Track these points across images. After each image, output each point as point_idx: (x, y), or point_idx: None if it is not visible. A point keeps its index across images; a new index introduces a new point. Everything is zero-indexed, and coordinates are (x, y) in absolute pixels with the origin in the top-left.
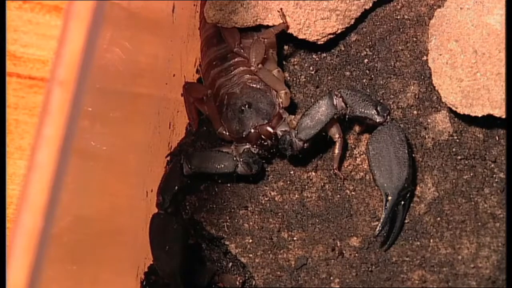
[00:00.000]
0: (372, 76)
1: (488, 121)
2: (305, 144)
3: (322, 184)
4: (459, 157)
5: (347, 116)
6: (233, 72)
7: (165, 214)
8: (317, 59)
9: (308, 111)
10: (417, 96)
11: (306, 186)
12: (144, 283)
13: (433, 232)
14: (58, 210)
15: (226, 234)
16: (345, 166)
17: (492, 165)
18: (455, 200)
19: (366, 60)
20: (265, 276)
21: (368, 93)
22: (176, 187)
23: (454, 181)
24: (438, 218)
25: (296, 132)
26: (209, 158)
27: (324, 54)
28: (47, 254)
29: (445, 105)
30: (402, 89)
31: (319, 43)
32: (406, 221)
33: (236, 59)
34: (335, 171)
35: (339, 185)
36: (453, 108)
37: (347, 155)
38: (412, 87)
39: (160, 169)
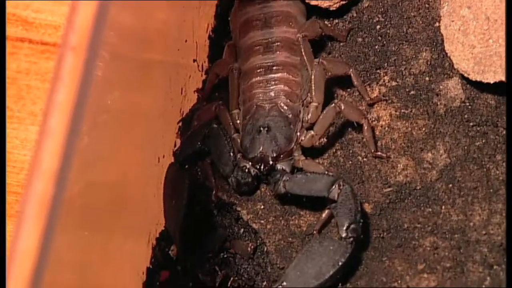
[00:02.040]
0: (384, 42)
1: (500, 88)
2: (287, 195)
3: (334, 150)
4: (471, 124)
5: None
6: (272, 88)
7: (178, 166)
8: (329, 25)
9: (308, 175)
10: (429, 63)
11: (319, 153)
12: (156, 249)
13: (445, 199)
14: (70, 176)
15: (238, 200)
16: (357, 133)
17: (504, 132)
18: (467, 166)
19: (378, 27)
20: (277, 242)
21: (359, 206)
22: (194, 149)
23: (466, 147)
24: (450, 185)
25: (287, 178)
26: (220, 147)
27: (336, 20)
28: (59, 220)
29: (457, 71)
30: (414, 56)
31: (331, 9)
32: (418, 187)
33: (280, 74)
34: (375, 154)
35: (350, 151)
36: (465, 75)
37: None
38: (424, 54)
39: (172, 135)
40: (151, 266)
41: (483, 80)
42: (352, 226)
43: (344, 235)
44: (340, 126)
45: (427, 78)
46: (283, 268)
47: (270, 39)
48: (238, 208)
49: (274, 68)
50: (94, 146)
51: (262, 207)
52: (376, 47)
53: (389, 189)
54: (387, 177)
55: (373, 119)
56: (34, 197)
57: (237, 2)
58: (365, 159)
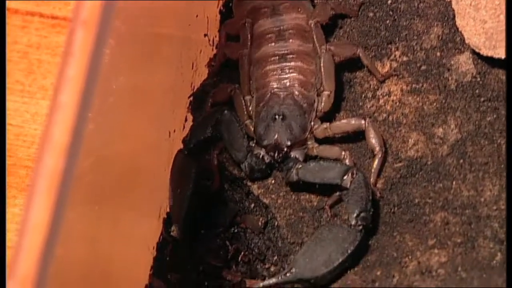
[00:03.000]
0: (396, 17)
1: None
2: (299, 182)
3: None
4: (482, 99)
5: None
6: (286, 76)
7: (186, 154)
8: (339, 2)
9: (321, 162)
10: (440, 38)
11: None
12: (167, 223)
13: (455, 174)
14: (81, 150)
15: None
16: (368, 108)
17: None
18: (478, 142)
19: (389, 1)
20: (288, 217)
21: (371, 195)
22: (205, 135)
23: (477, 122)
24: (461, 160)
25: (300, 166)
26: (233, 133)
27: None
28: (69, 194)
29: (469, 46)
30: (425, 31)
31: None
32: (429, 162)
33: (294, 63)
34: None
35: None
36: (477, 50)
37: (370, 96)
38: (436, 29)
39: (183, 110)
40: (161, 241)
41: (494, 55)
42: (362, 214)
43: (353, 222)
44: (351, 101)
45: (438, 53)
46: (294, 242)
47: (281, 27)
48: (249, 183)
49: (289, 56)
50: (104, 121)
51: (273, 181)
52: (388, 22)
53: (400, 164)
54: (398, 152)
55: (384, 94)
56: (45, 171)
57: None
58: None
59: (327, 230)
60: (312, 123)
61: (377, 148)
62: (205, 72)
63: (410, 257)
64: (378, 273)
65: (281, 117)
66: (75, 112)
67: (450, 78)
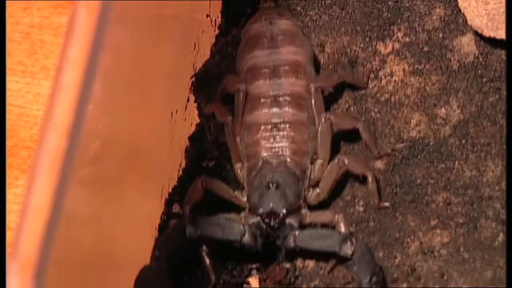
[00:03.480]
0: None
1: None
2: (296, 250)
3: (347, 106)
4: (484, 80)
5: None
6: (278, 145)
7: (157, 267)
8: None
9: (320, 230)
10: (442, 19)
11: (331, 108)
12: (169, 204)
13: (458, 155)
14: (83, 131)
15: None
16: (370, 88)
17: None
18: (480, 122)
19: None
20: None
21: (375, 261)
22: (175, 248)
23: (479, 103)
24: (463, 141)
25: (297, 233)
26: (216, 224)
27: None
28: (72, 175)
29: (471, 28)
30: (427, 12)
31: None
32: (431, 143)
33: (286, 132)
34: (379, 206)
35: (364, 107)
36: (479, 31)
37: (372, 76)
38: (438, 10)
39: (185, 91)
40: (163, 222)
41: (496, 37)
42: (374, 278)
43: (368, 287)
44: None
45: (440, 35)
46: None
47: (277, 92)
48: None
49: (281, 126)
50: (107, 101)
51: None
52: (390, 3)
53: (402, 144)
54: (400, 132)
55: (387, 74)
56: (47, 152)
57: (244, 42)
58: (378, 115)
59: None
60: (305, 191)
61: (365, 172)
62: (207, 52)
63: (412, 237)
64: (380, 254)
65: (275, 185)
66: (77, 92)
67: (452, 59)
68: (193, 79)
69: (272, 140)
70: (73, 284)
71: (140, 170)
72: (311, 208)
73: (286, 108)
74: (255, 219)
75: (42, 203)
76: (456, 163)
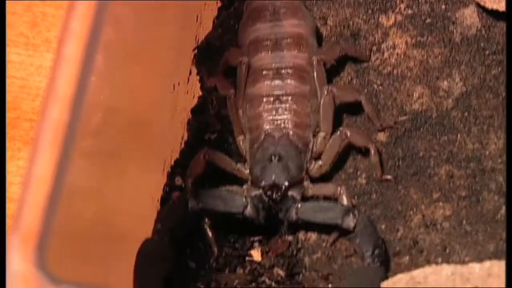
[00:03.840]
0: None
1: None
2: (299, 221)
3: (350, 78)
4: (487, 52)
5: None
6: (281, 117)
7: (159, 240)
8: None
9: (322, 202)
10: None
11: (334, 81)
12: (171, 176)
13: (460, 127)
14: (85, 103)
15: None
16: (372, 61)
17: None
18: (482, 95)
19: None
20: None
21: (378, 233)
22: (177, 221)
23: (482, 76)
24: (466, 113)
25: (299, 205)
26: (219, 197)
27: None
28: (74, 147)
29: (473, 0)
30: None
31: None
32: (433, 116)
33: (289, 105)
34: (382, 178)
35: (366, 79)
36: (481, 3)
37: (374, 49)
38: None
39: (188, 63)
40: (165, 195)
41: (499, 9)
42: (376, 251)
43: (370, 261)
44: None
45: (443, 6)
46: None
47: (280, 65)
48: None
49: (284, 98)
50: (109, 73)
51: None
52: None
53: (404, 117)
54: (403, 105)
55: (389, 47)
56: (49, 124)
57: (246, 15)
58: (380, 87)
59: (353, 277)
60: (308, 164)
61: (368, 144)
62: (209, 25)
63: (414, 210)
64: (383, 226)
65: (277, 158)
66: (79, 65)
67: (455, 31)
68: (195, 51)
69: (274, 112)
70: (75, 256)
71: (142, 143)
72: (313, 180)
73: (288, 81)
74: (257, 192)
75: (44, 175)
76: (459, 135)
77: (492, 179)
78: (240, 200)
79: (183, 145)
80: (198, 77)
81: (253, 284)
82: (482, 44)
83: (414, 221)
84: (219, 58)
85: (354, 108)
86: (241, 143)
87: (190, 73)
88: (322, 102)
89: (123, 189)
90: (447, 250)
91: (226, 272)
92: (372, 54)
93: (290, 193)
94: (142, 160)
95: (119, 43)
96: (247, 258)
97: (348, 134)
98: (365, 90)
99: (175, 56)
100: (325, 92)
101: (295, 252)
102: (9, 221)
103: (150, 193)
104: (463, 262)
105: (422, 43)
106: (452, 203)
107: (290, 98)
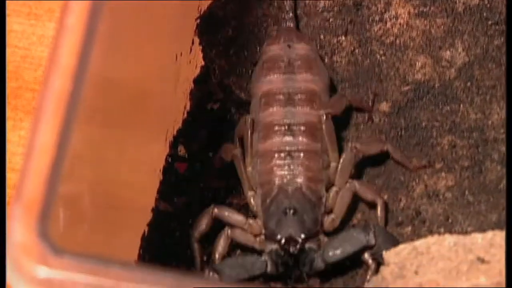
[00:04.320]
0: None
1: None
2: (327, 266)
3: (352, 48)
4: (489, 22)
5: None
6: (293, 173)
7: None
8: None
9: (339, 237)
10: None
11: (336, 51)
12: (173, 146)
13: (463, 97)
14: (87, 73)
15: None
16: (375, 31)
17: None
18: (485, 65)
19: None
20: None
21: (393, 235)
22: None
23: (484, 46)
24: (468, 83)
25: (321, 252)
26: (237, 265)
27: None
28: (76, 117)
29: None
30: None
31: None
32: (436, 86)
33: (301, 161)
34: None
35: (369, 49)
36: None
37: (377, 19)
38: None
39: (190, 33)
40: (167, 165)
41: None
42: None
43: None
44: (358, 24)
45: None
46: None
47: (291, 121)
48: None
49: (295, 154)
50: (112, 43)
51: None
52: None
53: (407, 87)
54: (406, 75)
55: (392, 17)
56: (51, 94)
57: (261, 62)
58: (383, 57)
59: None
60: (322, 216)
61: (375, 198)
62: None
63: (417, 180)
64: (385, 197)
65: (292, 211)
66: (82, 34)
67: (457, 1)
68: (198, 21)
69: (286, 167)
70: (77, 226)
71: (145, 113)
72: (328, 234)
73: (300, 138)
74: (273, 246)
75: (46, 145)
76: (461, 105)
77: (494, 149)
78: (259, 261)
79: (185, 115)
80: (200, 47)
81: None
82: (484, 14)
83: (416, 192)
84: (222, 28)
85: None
86: (251, 199)
87: (193, 43)
88: (343, 158)
89: (126, 159)
90: (450, 220)
91: None
92: (374, 24)
93: (307, 245)
94: (145, 130)
95: (122, 13)
96: None
97: (357, 187)
98: (368, 60)
99: (177, 26)
100: (348, 149)
101: None
102: (11, 191)
103: (152, 163)
104: (465, 232)
105: (425, 13)
106: (454, 173)
107: (302, 154)
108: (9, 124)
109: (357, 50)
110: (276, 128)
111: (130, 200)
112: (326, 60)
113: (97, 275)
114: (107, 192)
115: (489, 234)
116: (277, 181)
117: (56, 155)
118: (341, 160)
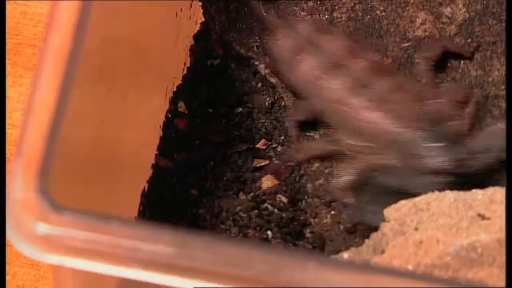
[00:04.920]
0: None
1: None
2: None
3: (353, 4)
4: None
5: None
6: None
7: None
8: None
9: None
10: None
11: (336, 7)
12: (173, 103)
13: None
14: (87, 30)
15: (256, 54)
16: None
17: None
18: (486, 21)
19: None
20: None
21: None
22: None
23: (485, 2)
24: (469, 39)
25: None
26: None
27: None
28: (76, 74)
29: None
30: None
31: None
32: None
33: None
34: None
35: (369, 5)
36: None
37: None
38: None
39: None
40: (167, 121)
41: None
42: None
43: None
44: None
45: None
46: None
47: None
48: (256, 62)
49: None
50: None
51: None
52: None
53: (407, 43)
54: (406, 31)
55: None
56: (51, 51)
57: None
58: (383, 13)
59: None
60: None
61: None
62: None
63: None
64: None
65: None
66: None
67: None
68: None
69: None
70: (77, 183)
71: (145, 69)
72: None
73: None
74: None
75: (46, 101)
76: (462, 62)
77: (495, 106)
78: None
79: (185, 71)
80: (200, 3)
81: (256, 211)
82: None
83: None
84: None
85: None
86: None
87: None
88: None
89: (126, 115)
90: None
91: (228, 198)
92: None
93: None
94: (145, 87)
95: None
96: (249, 184)
97: None
98: (368, 16)
99: None
100: None
101: (297, 178)
102: (11, 147)
103: (152, 119)
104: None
105: None
106: None
107: None
108: (9, 81)
109: (357, 6)
110: None
111: (130, 156)
112: (326, 16)
113: (96, 232)
114: (107, 148)
115: (490, 190)
116: None
117: (56, 112)
118: None
